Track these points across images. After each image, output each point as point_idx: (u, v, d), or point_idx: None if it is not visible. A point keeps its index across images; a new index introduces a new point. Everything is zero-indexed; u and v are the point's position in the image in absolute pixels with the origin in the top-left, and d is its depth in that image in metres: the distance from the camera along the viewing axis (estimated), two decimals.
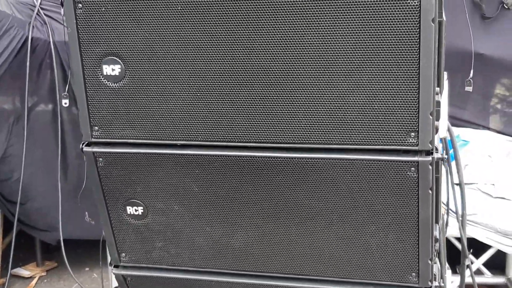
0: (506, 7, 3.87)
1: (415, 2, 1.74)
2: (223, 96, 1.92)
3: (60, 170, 4.55)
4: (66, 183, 4.63)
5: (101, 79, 1.97)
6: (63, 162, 4.61)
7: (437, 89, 1.87)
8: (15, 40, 4.19)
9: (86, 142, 2.06)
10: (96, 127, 2.02)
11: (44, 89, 4.50)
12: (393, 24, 1.75)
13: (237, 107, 1.92)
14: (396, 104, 1.81)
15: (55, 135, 4.54)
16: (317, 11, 1.77)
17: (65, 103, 2.19)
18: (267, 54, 1.85)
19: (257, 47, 1.84)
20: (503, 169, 4.08)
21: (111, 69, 1.95)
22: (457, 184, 2.43)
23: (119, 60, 1.94)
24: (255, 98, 1.90)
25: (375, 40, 1.77)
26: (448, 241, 3.82)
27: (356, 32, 1.78)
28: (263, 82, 1.88)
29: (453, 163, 2.47)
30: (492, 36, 3.90)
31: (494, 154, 4.21)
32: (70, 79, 2.07)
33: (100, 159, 2.06)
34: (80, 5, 1.92)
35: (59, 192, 4.51)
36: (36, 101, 4.55)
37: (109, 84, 1.97)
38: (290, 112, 1.89)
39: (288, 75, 1.85)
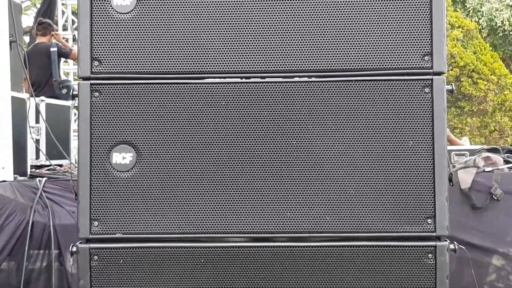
0: (495, 198, 4.14)
1: (431, 261, 1.95)
2: None
3: None
4: None
5: None
6: None
7: None
8: (16, 229, 4.19)
9: None
10: None
11: (41, 270, 4.44)
12: None
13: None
14: None
15: None
16: None
17: None
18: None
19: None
20: None
21: None
22: None
23: None
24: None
25: None
26: None
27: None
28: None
29: None
30: (482, 226, 4.12)
31: None
32: None
33: None
34: (96, 257, 1.96)
35: None
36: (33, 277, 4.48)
37: None
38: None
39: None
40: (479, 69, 16.72)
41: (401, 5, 2.00)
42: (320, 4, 2.01)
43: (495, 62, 17.10)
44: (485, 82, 16.83)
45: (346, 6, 2.01)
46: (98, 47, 2.01)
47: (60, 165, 6.06)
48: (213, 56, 2.03)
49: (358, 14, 2.01)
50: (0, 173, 4.48)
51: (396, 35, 2.00)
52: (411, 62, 2.00)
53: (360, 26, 2.01)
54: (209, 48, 2.02)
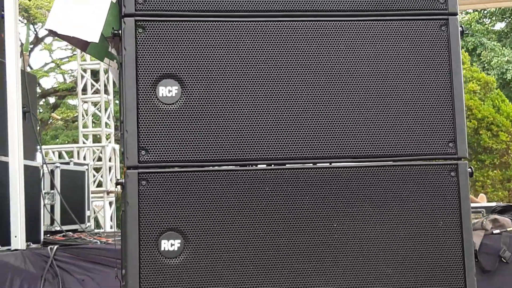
0: (504, 260, 4.09)
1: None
2: None
3: None
4: None
5: None
6: None
7: None
8: None
9: None
10: None
11: None
12: None
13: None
14: None
15: None
16: None
17: None
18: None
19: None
20: None
21: None
22: None
23: None
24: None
25: None
26: None
27: None
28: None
29: None
30: None
31: None
32: None
33: None
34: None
35: None
36: None
37: None
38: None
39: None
40: (498, 121, 16.62)
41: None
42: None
43: None
44: (507, 134, 16.69)
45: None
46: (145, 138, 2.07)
47: (75, 230, 6.14)
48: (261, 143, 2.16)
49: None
50: (12, 242, 4.56)
51: None
52: None
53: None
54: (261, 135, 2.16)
